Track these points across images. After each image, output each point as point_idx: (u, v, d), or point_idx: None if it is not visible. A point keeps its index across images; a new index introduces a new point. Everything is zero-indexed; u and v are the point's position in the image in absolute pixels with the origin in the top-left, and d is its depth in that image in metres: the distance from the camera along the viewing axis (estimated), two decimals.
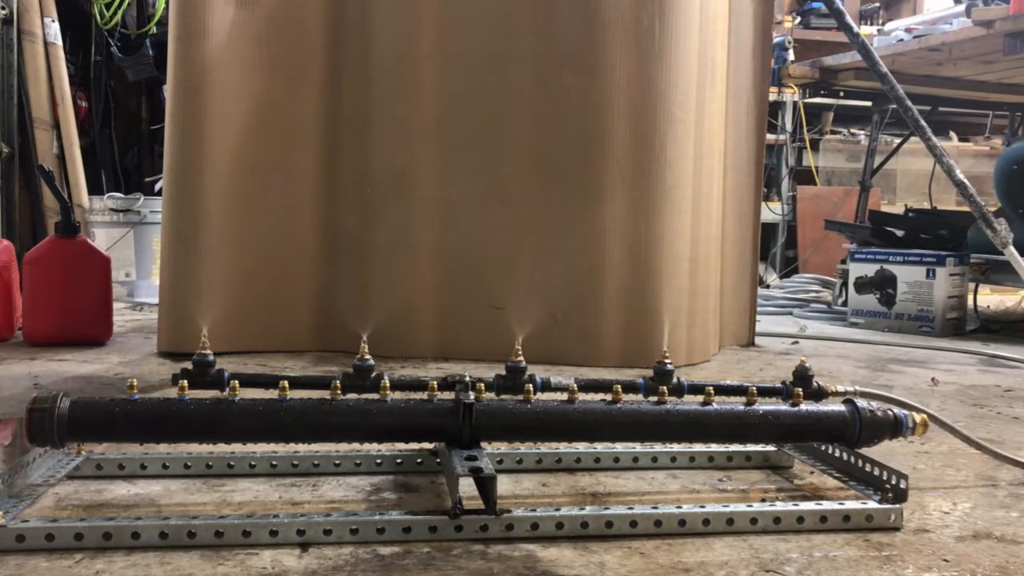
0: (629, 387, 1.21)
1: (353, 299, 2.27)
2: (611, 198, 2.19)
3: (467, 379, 1.18)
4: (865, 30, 4.74)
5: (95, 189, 3.83)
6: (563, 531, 1.03)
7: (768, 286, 4.45)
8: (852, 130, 5.74)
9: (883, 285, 3.20)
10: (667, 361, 1.24)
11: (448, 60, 2.23)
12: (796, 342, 2.82)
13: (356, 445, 1.18)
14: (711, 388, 1.19)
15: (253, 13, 2.22)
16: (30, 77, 3.62)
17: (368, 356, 1.19)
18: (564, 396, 1.16)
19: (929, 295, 3.08)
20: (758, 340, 2.70)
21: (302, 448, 1.27)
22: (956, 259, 3.12)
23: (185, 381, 1.12)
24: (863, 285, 3.26)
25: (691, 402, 1.19)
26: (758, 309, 2.77)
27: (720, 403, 1.18)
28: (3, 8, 3.52)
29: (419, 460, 1.28)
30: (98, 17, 3.95)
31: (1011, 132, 4.39)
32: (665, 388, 1.19)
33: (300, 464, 1.25)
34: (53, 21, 3.68)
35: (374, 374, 1.18)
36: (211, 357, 1.16)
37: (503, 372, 1.20)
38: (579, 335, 2.21)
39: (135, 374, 1.99)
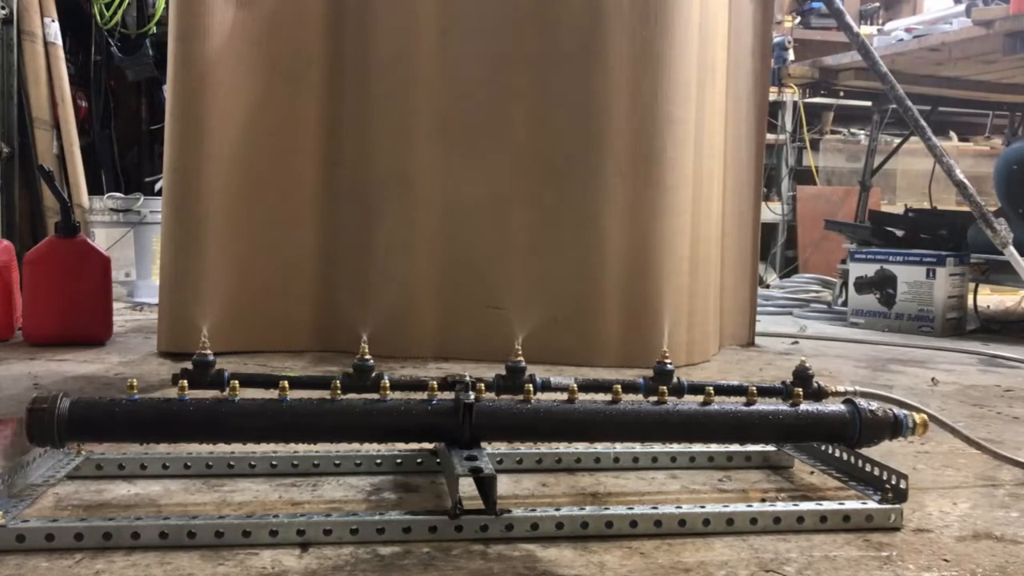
0: (629, 387, 1.21)
1: (353, 299, 2.27)
2: (611, 198, 2.19)
3: (467, 379, 1.18)
4: (865, 30, 4.73)
5: (95, 189, 3.83)
6: (563, 531, 1.03)
7: (768, 286, 4.44)
8: (852, 130, 5.74)
9: (883, 285, 3.20)
10: (667, 361, 1.24)
11: (448, 59, 2.23)
12: (796, 342, 2.82)
13: (356, 445, 1.18)
14: (711, 388, 1.19)
15: (253, 13, 2.22)
16: (30, 77, 3.62)
17: (368, 356, 1.19)
18: (564, 396, 1.16)
19: (929, 295, 3.08)
20: (758, 340, 2.70)
21: (302, 448, 1.27)
22: (956, 259, 3.12)
23: (185, 381, 1.12)
24: (863, 285, 3.25)
25: (691, 402, 1.19)
26: (758, 309, 2.77)
27: (720, 403, 1.18)
28: (3, 8, 3.52)
29: (419, 460, 1.28)
30: (98, 17, 3.95)
31: (1011, 132, 4.39)
32: (665, 388, 1.19)
33: (300, 464, 1.25)
34: (53, 21, 3.68)
35: (374, 374, 1.18)
36: (211, 357, 1.16)
37: (503, 372, 1.20)
38: (579, 335, 2.21)
39: (135, 374, 1.99)
